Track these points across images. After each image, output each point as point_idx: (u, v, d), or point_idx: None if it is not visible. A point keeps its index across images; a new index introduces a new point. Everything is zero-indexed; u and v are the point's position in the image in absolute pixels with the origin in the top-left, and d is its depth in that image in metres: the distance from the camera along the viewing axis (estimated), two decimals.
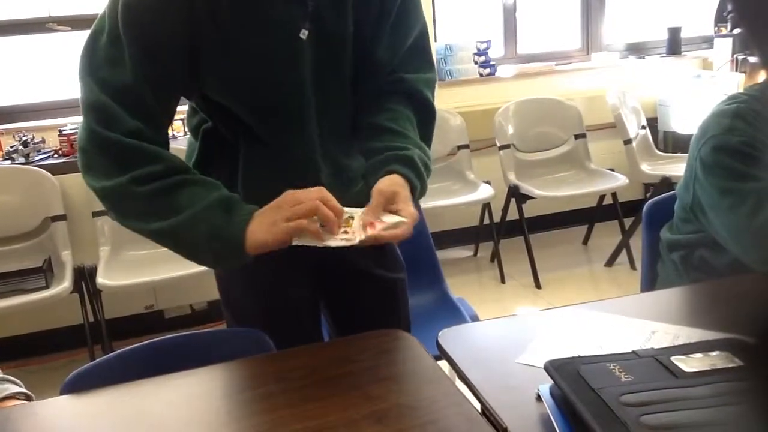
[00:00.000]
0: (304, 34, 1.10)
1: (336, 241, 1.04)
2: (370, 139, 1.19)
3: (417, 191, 1.13)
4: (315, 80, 1.14)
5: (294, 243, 1.04)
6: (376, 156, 1.15)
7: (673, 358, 0.91)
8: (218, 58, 1.09)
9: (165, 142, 1.12)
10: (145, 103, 1.06)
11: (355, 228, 1.05)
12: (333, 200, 1.05)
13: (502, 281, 3.39)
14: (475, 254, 3.76)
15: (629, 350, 0.97)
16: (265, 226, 1.03)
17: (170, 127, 1.17)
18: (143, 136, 1.06)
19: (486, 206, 3.50)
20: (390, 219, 1.07)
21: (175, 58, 1.07)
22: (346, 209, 1.08)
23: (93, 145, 1.06)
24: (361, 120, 1.23)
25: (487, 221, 3.54)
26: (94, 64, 1.07)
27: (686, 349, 0.95)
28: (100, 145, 1.05)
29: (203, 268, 2.50)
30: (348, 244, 1.03)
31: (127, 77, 1.04)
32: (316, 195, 1.04)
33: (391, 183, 1.10)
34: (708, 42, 4.10)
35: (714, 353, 0.92)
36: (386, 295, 1.36)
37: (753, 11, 0.42)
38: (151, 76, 1.05)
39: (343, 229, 1.05)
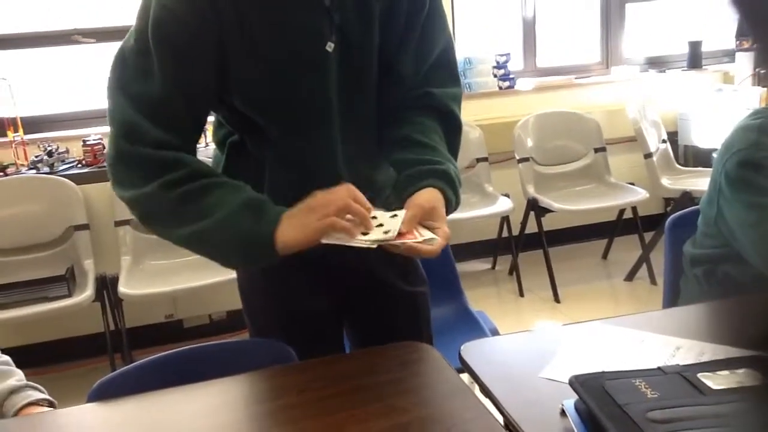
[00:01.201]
0: (330, 47, 1.11)
1: (361, 242, 1.04)
2: (400, 151, 1.19)
3: (452, 205, 1.14)
4: (340, 93, 1.15)
5: (324, 241, 1.04)
6: (410, 168, 1.15)
7: (699, 375, 0.91)
8: (245, 70, 1.10)
9: (193, 152, 1.14)
10: (175, 116, 1.08)
11: (389, 228, 1.06)
12: (362, 197, 1.07)
13: (521, 294, 3.37)
14: (493, 267, 3.75)
15: (654, 366, 0.96)
16: (297, 227, 1.05)
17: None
18: (170, 147, 1.08)
19: (504, 219, 3.49)
20: (425, 234, 1.07)
21: (205, 69, 1.09)
22: (374, 212, 1.09)
23: (120, 160, 1.09)
24: (388, 133, 1.23)
25: (505, 234, 3.53)
26: (123, 78, 1.09)
27: (712, 366, 0.94)
28: (127, 159, 1.08)
29: (223, 278, 2.57)
30: (368, 245, 1.03)
31: (156, 90, 1.06)
32: (345, 193, 1.06)
33: (429, 198, 1.10)
34: (729, 56, 4.07)
35: (741, 370, 0.91)
36: (409, 309, 1.36)
37: (764, 26, 0.42)
38: (181, 88, 1.07)
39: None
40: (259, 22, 1.07)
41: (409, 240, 1.04)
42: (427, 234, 1.07)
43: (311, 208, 1.06)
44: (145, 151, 1.06)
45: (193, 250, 1.11)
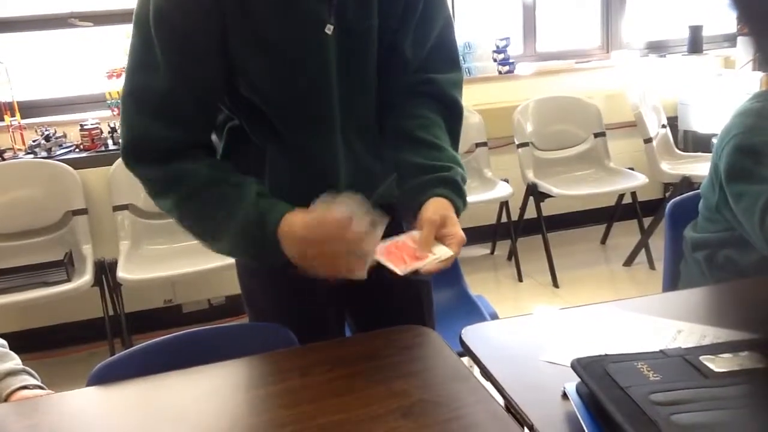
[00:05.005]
0: (329, 29, 1.10)
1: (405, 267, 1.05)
2: (404, 150, 1.18)
3: (459, 211, 1.15)
4: (340, 76, 1.14)
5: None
6: (416, 177, 1.15)
7: (701, 358, 0.91)
8: (246, 55, 1.09)
9: (207, 144, 1.15)
10: (182, 109, 1.08)
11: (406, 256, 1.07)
12: (355, 230, 1.04)
13: (520, 280, 3.38)
14: (492, 252, 3.75)
15: (656, 349, 0.96)
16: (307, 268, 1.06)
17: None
18: (180, 146, 1.10)
19: (504, 204, 3.49)
20: (440, 252, 1.07)
21: (210, 58, 1.07)
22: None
23: (139, 177, 1.14)
24: (391, 124, 1.22)
25: (504, 219, 3.53)
26: (129, 70, 1.09)
27: (715, 349, 0.94)
28: (141, 177, 1.14)
29: (222, 263, 2.57)
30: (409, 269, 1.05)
31: (162, 83, 1.05)
32: (342, 236, 1.02)
33: (438, 208, 1.10)
34: (730, 40, 4.05)
35: (743, 353, 0.91)
36: (412, 297, 1.35)
37: (757, 14, 0.41)
38: (187, 80, 1.06)
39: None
40: (261, 6, 1.06)
41: (427, 262, 1.06)
42: (443, 251, 1.07)
43: (312, 258, 1.05)
44: (150, 169, 1.11)
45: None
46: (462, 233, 1.09)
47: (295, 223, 1.05)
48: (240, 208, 1.08)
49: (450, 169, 1.15)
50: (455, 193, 1.14)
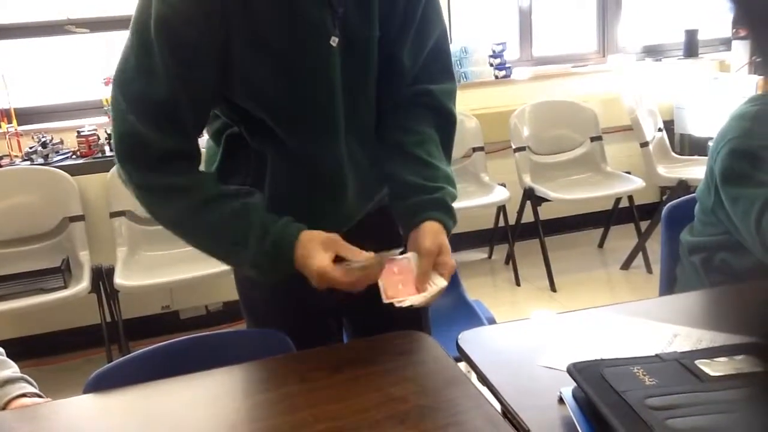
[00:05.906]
0: (334, 41, 1.10)
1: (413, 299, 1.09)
2: (397, 166, 1.20)
3: (450, 230, 1.18)
4: (344, 86, 1.14)
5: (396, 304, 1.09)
6: (409, 196, 1.18)
7: (697, 362, 0.91)
8: (252, 67, 1.08)
9: (199, 153, 1.16)
10: (179, 117, 1.07)
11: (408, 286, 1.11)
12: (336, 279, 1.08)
13: (517, 284, 3.38)
14: (490, 257, 3.75)
15: (652, 353, 0.96)
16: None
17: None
18: (179, 154, 1.10)
19: (501, 208, 3.49)
20: (437, 282, 1.12)
21: (211, 69, 1.07)
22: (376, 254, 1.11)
23: (138, 187, 1.12)
24: (386, 136, 1.23)
25: (501, 224, 3.54)
26: (124, 76, 1.06)
27: (710, 353, 0.94)
28: (138, 187, 1.11)
29: (219, 269, 2.57)
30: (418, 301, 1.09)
31: (160, 90, 1.04)
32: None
33: (434, 238, 1.13)
34: (726, 44, 4.07)
35: (739, 357, 0.91)
36: None
37: (758, 16, 0.42)
38: (186, 89, 1.05)
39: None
40: (267, 17, 1.06)
41: (425, 296, 1.10)
42: (440, 282, 1.12)
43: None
44: (150, 177, 1.10)
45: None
46: (453, 262, 1.15)
47: (314, 233, 1.10)
48: (263, 219, 1.11)
49: (441, 189, 1.18)
50: (447, 215, 1.18)
